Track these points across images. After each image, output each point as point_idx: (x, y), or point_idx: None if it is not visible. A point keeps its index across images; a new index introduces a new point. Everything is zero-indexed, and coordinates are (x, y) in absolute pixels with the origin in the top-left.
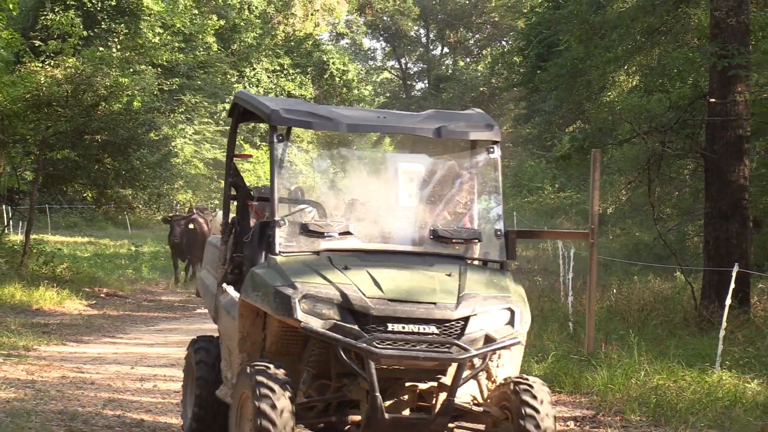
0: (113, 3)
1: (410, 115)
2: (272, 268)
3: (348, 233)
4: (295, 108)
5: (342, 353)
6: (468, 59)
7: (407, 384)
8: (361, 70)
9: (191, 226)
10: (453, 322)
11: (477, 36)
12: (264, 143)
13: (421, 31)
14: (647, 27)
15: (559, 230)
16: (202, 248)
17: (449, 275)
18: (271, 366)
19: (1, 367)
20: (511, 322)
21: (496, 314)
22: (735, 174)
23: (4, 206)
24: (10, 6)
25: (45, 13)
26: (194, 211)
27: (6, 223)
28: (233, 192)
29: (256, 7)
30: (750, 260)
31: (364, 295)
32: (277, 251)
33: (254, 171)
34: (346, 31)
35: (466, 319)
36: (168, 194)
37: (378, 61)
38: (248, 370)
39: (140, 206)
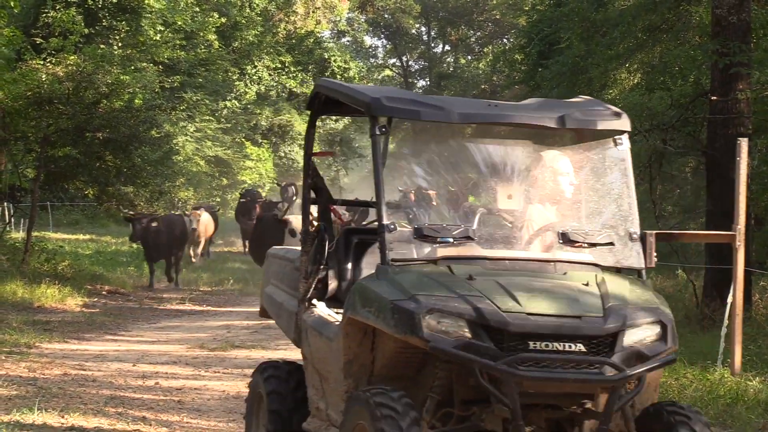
0: (114, 1)
1: (519, 104)
2: (385, 279)
3: (468, 238)
4: (398, 96)
5: (480, 377)
6: (469, 57)
7: (547, 410)
8: (363, 67)
9: (154, 224)
10: (602, 338)
11: (478, 34)
12: (266, 141)
13: (423, 28)
14: (649, 25)
15: (701, 232)
16: (178, 247)
17: (587, 284)
18: (391, 390)
19: (3, 365)
20: (663, 338)
21: (646, 328)
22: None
23: (5, 204)
24: (12, 3)
25: (46, 10)
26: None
27: (8, 221)
28: (313, 195)
29: (258, 5)
30: (751, 258)
31: (499, 308)
32: (388, 260)
33: (256, 169)
34: (347, 29)
35: (614, 335)
36: (169, 192)
37: (379, 59)
38: (364, 396)
39: (142, 204)
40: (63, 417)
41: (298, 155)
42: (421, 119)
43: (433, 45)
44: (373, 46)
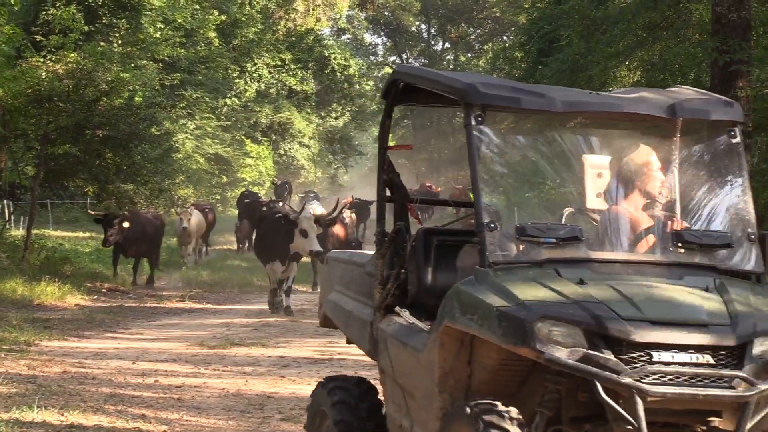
0: None
1: (618, 94)
2: (487, 284)
3: (575, 239)
4: (494, 82)
5: (601, 392)
6: (469, 54)
7: (666, 428)
8: (363, 65)
9: (126, 224)
10: (731, 349)
11: (478, 31)
12: (266, 138)
13: (423, 26)
14: (649, 22)
15: None
16: (150, 245)
17: (707, 289)
18: (500, 405)
19: (3, 362)
20: None
21: None
22: None
23: (5, 201)
24: (12, 1)
25: (46, 8)
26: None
27: (7, 218)
28: (388, 193)
29: (257, 2)
30: None
31: (619, 316)
32: (489, 262)
33: (256, 166)
34: (347, 27)
35: (743, 345)
36: (169, 189)
37: (379, 57)
38: (471, 412)
39: (141, 201)
40: (62, 415)
41: (298, 152)
42: (521, 108)
43: (433, 42)
44: (373, 43)
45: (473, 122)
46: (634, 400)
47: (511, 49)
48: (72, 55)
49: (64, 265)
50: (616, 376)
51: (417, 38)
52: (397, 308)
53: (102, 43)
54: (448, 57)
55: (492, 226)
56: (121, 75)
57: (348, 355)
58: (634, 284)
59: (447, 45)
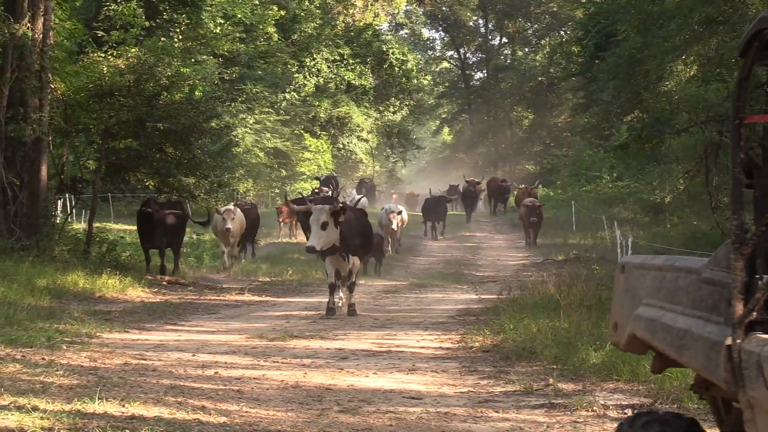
0: None
1: None
2: None
3: None
4: None
5: None
6: (526, 49)
7: None
8: (420, 59)
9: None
10: None
11: (535, 26)
12: (324, 132)
13: (480, 21)
14: (705, 17)
15: None
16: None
17: None
18: None
19: (65, 354)
20: None
21: None
22: None
23: (67, 195)
24: None
25: (108, 3)
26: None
27: (69, 212)
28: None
29: None
30: None
31: None
32: None
33: (315, 160)
34: (405, 21)
35: None
36: (229, 183)
37: (437, 51)
38: None
39: (202, 195)
40: (123, 406)
41: (356, 147)
42: None
43: (490, 37)
44: (431, 38)
45: None
46: None
47: (568, 44)
48: (133, 50)
49: (125, 258)
50: None
51: (474, 33)
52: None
53: (162, 39)
54: (506, 52)
55: None
56: (182, 70)
57: (405, 348)
58: None
59: (504, 40)
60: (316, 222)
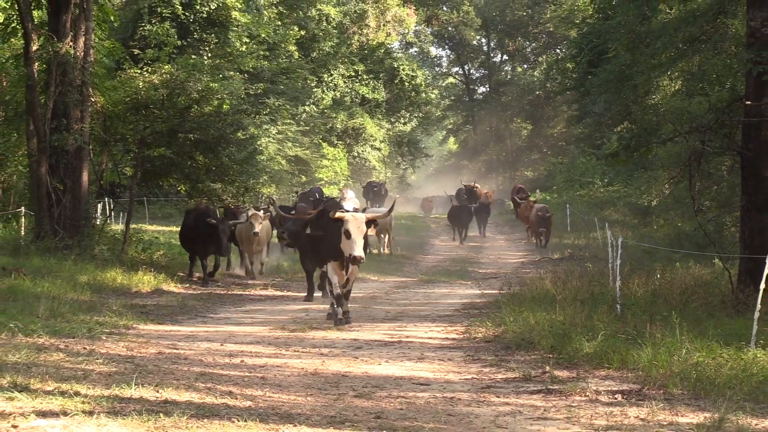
0: (204, 15)
1: None
2: None
3: None
4: None
5: None
6: (525, 65)
7: None
8: (428, 75)
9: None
10: None
11: (534, 44)
12: (341, 141)
13: (483, 40)
14: (689, 36)
15: None
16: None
17: None
18: None
19: (104, 344)
20: None
21: None
22: None
23: (106, 199)
24: (112, 18)
25: (143, 24)
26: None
27: (108, 214)
28: None
29: (333, 19)
30: None
31: None
32: None
33: (332, 167)
34: (414, 41)
35: None
36: (254, 188)
37: (443, 68)
38: None
39: (229, 198)
40: (158, 391)
41: (370, 155)
42: None
43: (492, 55)
44: (438, 56)
45: None
46: None
47: (563, 61)
48: (166, 66)
49: (159, 256)
50: None
51: (478, 51)
52: None
53: (193, 56)
54: (506, 68)
55: None
56: (211, 85)
57: (414, 338)
58: None
59: (505, 57)
60: (357, 230)
